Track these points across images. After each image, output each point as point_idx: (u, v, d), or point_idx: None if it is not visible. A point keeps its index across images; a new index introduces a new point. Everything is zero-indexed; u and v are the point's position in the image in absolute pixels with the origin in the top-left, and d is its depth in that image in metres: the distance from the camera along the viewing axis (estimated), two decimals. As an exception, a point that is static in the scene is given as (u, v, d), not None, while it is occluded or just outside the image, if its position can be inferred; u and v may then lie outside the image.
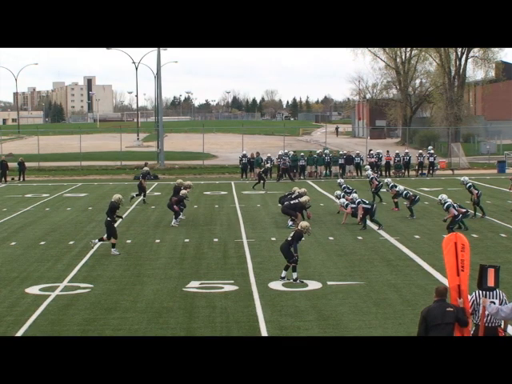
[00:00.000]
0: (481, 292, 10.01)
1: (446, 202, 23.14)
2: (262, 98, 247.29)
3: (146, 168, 36.09)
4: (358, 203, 24.84)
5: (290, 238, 17.33)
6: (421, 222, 25.61)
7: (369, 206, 24.62)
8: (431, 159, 45.53)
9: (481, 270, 10.00)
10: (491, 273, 9.91)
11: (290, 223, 24.68)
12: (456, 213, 22.93)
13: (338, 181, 30.90)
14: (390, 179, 31.02)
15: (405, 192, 27.49)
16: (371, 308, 14.84)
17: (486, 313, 9.80)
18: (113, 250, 20.71)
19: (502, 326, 10.10)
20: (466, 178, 27.95)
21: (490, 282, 9.88)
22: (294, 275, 16.98)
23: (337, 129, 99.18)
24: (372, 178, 31.63)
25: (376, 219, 24.61)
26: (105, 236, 20.98)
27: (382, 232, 23.78)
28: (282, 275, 17.18)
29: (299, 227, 17.64)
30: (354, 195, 25.89)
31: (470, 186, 26.84)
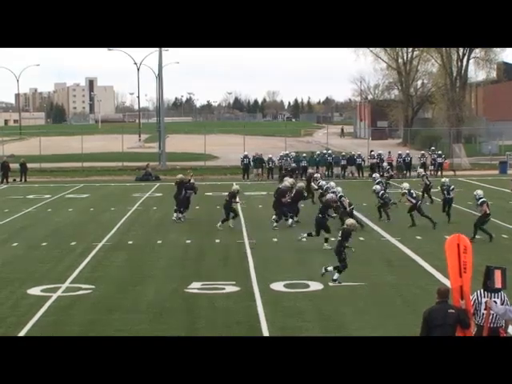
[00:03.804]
0: (482, 291, 9.99)
1: (480, 198, 22.55)
2: (264, 99, 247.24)
3: (311, 171, 35.69)
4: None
5: (340, 238, 17.32)
6: (422, 223, 25.55)
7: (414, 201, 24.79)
8: (439, 160, 45.36)
9: (487, 272, 9.97)
10: (498, 274, 9.87)
11: (275, 224, 24.62)
12: (488, 211, 22.36)
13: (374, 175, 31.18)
14: (407, 184, 30.18)
15: (381, 192, 26.63)
16: (372, 309, 14.83)
17: (491, 312, 9.78)
18: (325, 244, 20.90)
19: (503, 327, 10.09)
20: (447, 180, 27.63)
21: (498, 284, 9.85)
22: (336, 276, 16.93)
23: (342, 130, 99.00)
24: (423, 176, 31.74)
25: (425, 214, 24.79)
26: (313, 232, 21.25)
27: (383, 233, 23.77)
28: (328, 268, 17.03)
29: (345, 225, 17.61)
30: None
31: (453, 188, 26.56)
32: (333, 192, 25.08)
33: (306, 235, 21.45)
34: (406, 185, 26.14)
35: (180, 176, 27.94)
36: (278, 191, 25.92)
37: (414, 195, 25.42)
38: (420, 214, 24.70)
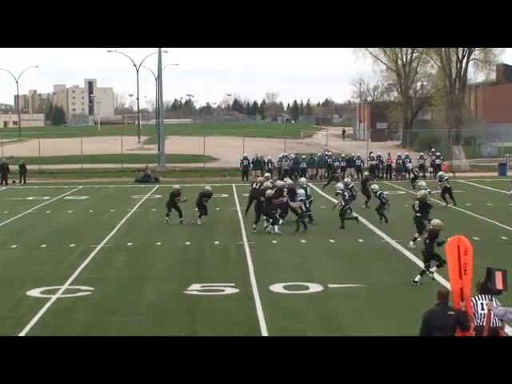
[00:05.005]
0: (478, 296, 9.97)
1: None
2: (263, 101, 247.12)
3: (367, 174, 35.34)
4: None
5: (427, 240, 17.26)
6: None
7: None
8: (438, 161, 45.26)
9: (488, 273, 9.94)
10: (499, 276, 9.84)
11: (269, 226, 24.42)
12: None
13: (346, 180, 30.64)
14: (341, 184, 27.77)
15: (379, 192, 26.11)
16: (372, 310, 14.82)
17: (492, 314, 9.76)
18: (411, 243, 21.01)
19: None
20: (423, 184, 26.54)
21: (499, 285, 9.82)
22: (433, 269, 17.07)
23: (343, 132, 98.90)
24: (446, 180, 30.98)
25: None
26: (416, 234, 21.15)
27: (383, 235, 23.75)
28: (416, 279, 16.94)
29: (431, 226, 17.59)
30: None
31: (429, 191, 25.27)
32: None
33: (412, 243, 21.20)
34: (340, 185, 26.28)
35: (176, 187, 27.77)
36: (258, 194, 25.43)
37: (347, 197, 25.51)
38: (341, 217, 24.96)
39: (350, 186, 28.50)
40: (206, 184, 32.05)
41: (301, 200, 24.46)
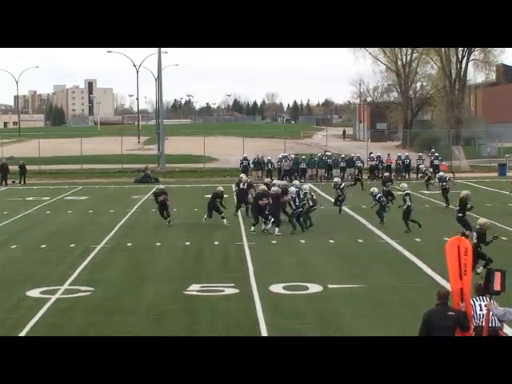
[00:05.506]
0: (475, 298, 9.97)
1: None
2: (263, 101, 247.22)
3: (387, 174, 35.16)
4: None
5: (475, 241, 17.23)
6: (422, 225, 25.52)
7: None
8: (436, 162, 45.23)
9: (488, 274, 9.94)
10: (498, 276, 9.84)
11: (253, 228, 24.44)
12: None
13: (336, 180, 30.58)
14: (307, 186, 27.75)
15: (378, 195, 25.90)
16: (372, 311, 14.81)
17: (491, 314, 9.76)
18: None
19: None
20: (405, 186, 25.87)
21: (497, 286, 9.81)
22: (479, 269, 17.03)
23: (344, 132, 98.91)
24: (449, 180, 30.92)
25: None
26: (466, 231, 20.81)
27: (382, 235, 23.75)
28: (478, 270, 16.92)
29: (478, 225, 17.61)
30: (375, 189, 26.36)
31: (407, 193, 24.63)
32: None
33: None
34: (306, 186, 26.42)
35: (160, 187, 27.60)
36: (255, 195, 25.58)
37: (315, 197, 25.84)
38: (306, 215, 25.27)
39: (341, 187, 28.66)
40: (218, 184, 31.93)
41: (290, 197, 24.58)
